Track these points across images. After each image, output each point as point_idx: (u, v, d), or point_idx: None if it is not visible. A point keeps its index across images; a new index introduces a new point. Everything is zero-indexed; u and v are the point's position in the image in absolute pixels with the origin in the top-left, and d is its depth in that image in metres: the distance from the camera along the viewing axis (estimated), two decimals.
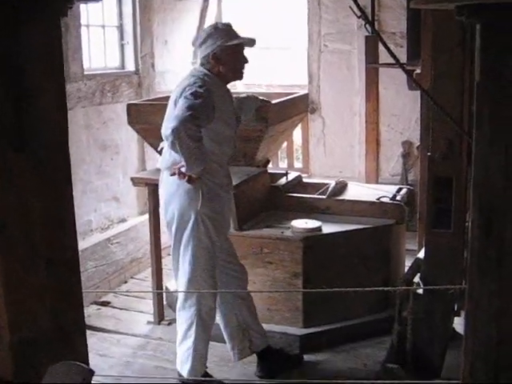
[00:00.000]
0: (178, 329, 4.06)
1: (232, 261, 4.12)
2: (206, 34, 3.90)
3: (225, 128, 3.89)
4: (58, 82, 1.52)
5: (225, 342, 4.28)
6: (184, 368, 3.97)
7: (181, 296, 3.98)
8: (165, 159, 3.96)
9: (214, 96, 3.75)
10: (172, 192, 3.89)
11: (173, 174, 3.78)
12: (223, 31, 3.89)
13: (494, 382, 1.37)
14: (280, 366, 4.20)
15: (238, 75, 4.00)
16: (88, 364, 1.74)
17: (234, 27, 3.97)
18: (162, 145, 4.06)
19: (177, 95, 3.76)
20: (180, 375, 4.02)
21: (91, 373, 1.51)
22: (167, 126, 3.64)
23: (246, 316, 4.15)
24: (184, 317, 3.98)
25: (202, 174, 3.73)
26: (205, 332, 3.99)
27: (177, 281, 4.08)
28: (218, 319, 4.16)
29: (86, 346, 1.86)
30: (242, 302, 4.14)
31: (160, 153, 4.13)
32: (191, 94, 3.65)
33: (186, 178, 3.70)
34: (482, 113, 1.29)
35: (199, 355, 3.97)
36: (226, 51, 3.85)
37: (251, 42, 3.98)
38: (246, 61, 3.98)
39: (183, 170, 3.70)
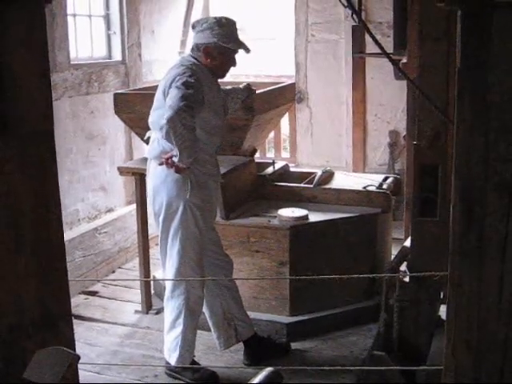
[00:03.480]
0: (165, 317, 4.07)
1: (218, 251, 4.14)
2: (207, 24, 3.85)
3: (213, 117, 3.88)
4: (42, 69, 1.52)
5: (211, 331, 4.31)
6: (172, 356, 3.99)
7: (169, 285, 3.99)
8: (153, 148, 3.95)
9: (203, 85, 3.75)
10: (160, 182, 3.88)
11: (161, 164, 3.78)
12: (224, 30, 3.85)
13: (476, 364, 1.39)
14: (267, 353, 4.21)
15: (221, 74, 4.01)
16: (74, 350, 1.75)
17: (237, 26, 3.96)
18: (148, 134, 4.06)
19: (166, 84, 3.74)
20: (167, 363, 4.04)
21: (77, 358, 1.52)
22: (159, 115, 3.67)
23: (231, 305, 4.17)
24: (172, 306, 3.99)
25: (191, 164, 3.72)
26: (193, 321, 4.01)
27: (165, 270, 4.08)
28: (204, 309, 4.17)
29: (73, 332, 1.87)
30: (227, 291, 4.15)
31: (147, 142, 4.13)
32: (182, 83, 3.63)
33: (174, 167, 3.70)
34: (463, 99, 1.30)
35: (187, 344, 3.99)
36: (219, 49, 3.84)
37: (246, 51, 3.98)
38: (234, 64, 3.99)
39: (175, 159, 3.68)
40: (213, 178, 3.99)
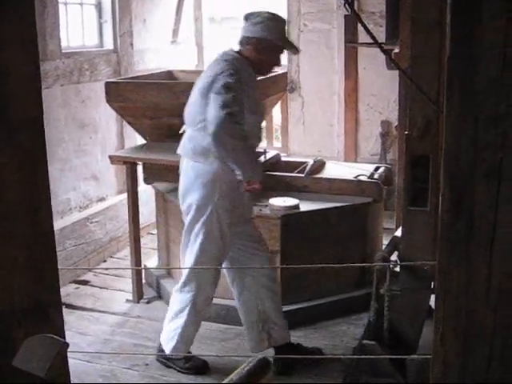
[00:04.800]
0: (170, 307, 4.05)
1: (255, 245, 4.03)
2: (261, 18, 3.75)
3: (250, 115, 3.67)
4: (31, 56, 1.51)
5: (203, 320, 4.31)
6: (168, 345, 3.99)
7: (184, 277, 3.96)
8: (183, 146, 3.86)
9: (243, 84, 3.62)
10: (189, 182, 3.80)
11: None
12: (277, 27, 3.80)
13: (464, 352, 1.40)
14: (299, 362, 4.07)
15: (264, 71, 3.95)
16: (64, 338, 1.75)
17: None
18: (183, 128, 3.98)
19: (206, 82, 3.62)
20: (161, 350, 4.04)
21: (66, 345, 1.52)
22: (193, 111, 3.68)
23: (268, 307, 4.01)
24: (179, 299, 3.96)
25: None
26: (196, 318, 3.99)
27: (183, 259, 4.03)
28: (239, 307, 4.10)
29: (62, 320, 1.87)
30: (265, 291, 4.00)
31: (180, 136, 3.99)
32: (222, 86, 3.51)
33: (250, 189, 3.71)
34: (452, 87, 1.30)
35: (186, 338, 3.98)
36: (269, 46, 3.77)
37: (295, 52, 4.06)
38: (279, 64, 3.92)
39: (240, 177, 3.62)
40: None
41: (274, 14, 3.83)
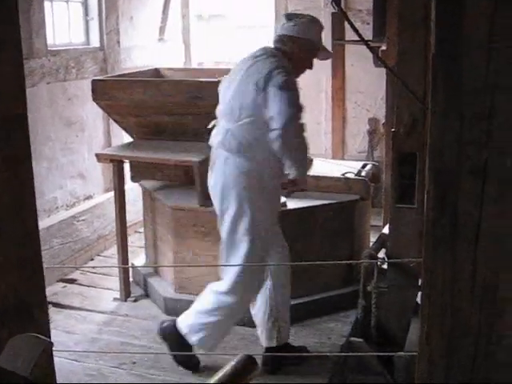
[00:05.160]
0: (202, 301, 3.94)
1: (280, 243, 4.02)
2: (305, 19, 3.79)
3: None
4: (14, 54, 1.50)
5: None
6: (194, 336, 3.91)
7: (229, 281, 3.81)
8: (226, 141, 3.72)
9: None
10: (233, 179, 3.70)
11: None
12: (320, 30, 3.88)
13: (449, 350, 1.40)
14: (287, 360, 4.09)
15: (299, 72, 3.89)
16: (50, 337, 1.73)
17: None
18: (214, 122, 3.94)
19: (261, 78, 3.57)
20: (173, 327, 3.99)
21: (50, 345, 1.51)
22: (245, 107, 3.60)
23: (278, 303, 3.98)
24: (219, 300, 3.86)
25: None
26: (232, 321, 3.98)
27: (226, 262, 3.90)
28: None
29: (48, 319, 1.85)
30: (279, 288, 3.98)
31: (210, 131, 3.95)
32: (284, 82, 3.51)
33: (296, 188, 3.86)
34: (437, 85, 1.30)
35: (216, 335, 3.95)
36: (311, 48, 3.81)
37: (328, 57, 4.16)
38: (311, 67, 3.94)
39: (292, 175, 3.65)
40: (281, 178, 3.85)
41: (314, 18, 3.90)
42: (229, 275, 3.81)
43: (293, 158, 3.62)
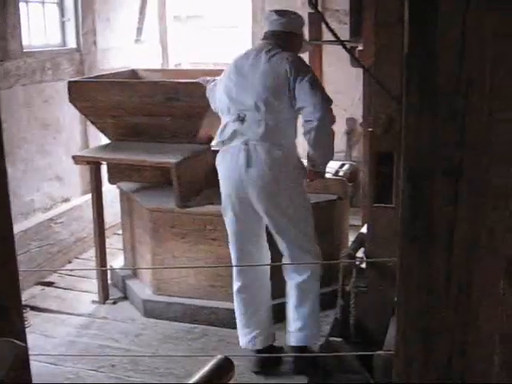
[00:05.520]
0: (298, 299, 4.00)
1: None
2: (296, 15, 3.95)
3: None
4: None
5: (170, 320, 4.29)
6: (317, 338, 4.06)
7: (313, 270, 3.95)
8: (270, 135, 3.72)
9: None
10: (280, 171, 3.75)
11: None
12: (303, 26, 4.10)
13: (425, 350, 1.40)
14: (275, 361, 4.16)
15: None
16: (25, 341, 1.72)
17: None
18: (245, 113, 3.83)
19: (288, 68, 3.65)
20: (309, 348, 4.08)
21: (25, 349, 1.50)
22: (277, 96, 3.67)
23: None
24: (311, 287, 4.00)
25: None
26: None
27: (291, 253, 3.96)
28: (252, 301, 4.05)
29: (23, 323, 1.83)
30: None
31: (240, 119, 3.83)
32: (312, 76, 3.70)
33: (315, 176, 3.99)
34: (411, 84, 1.30)
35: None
36: (298, 43, 3.97)
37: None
38: None
39: (320, 167, 3.85)
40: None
41: (300, 14, 4.05)
42: (306, 256, 3.91)
43: (323, 150, 3.76)
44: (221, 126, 3.86)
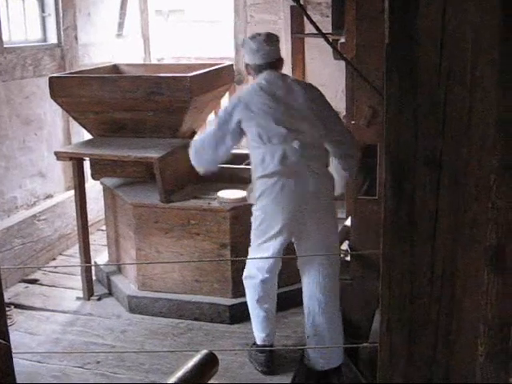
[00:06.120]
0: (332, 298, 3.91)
1: None
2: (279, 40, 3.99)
3: None
4: None
5: (155, 315, 4.28)
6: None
7: (336, 268, 3.89)
8: (320, 164, 3.80)
9: None
10: (330, 195, 3.86)
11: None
12: None
13: (410, 340, 1.40)
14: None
15: None
16: (8, 340, 1.71)
17: None
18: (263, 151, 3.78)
19: (310, 94, 3.80)
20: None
21: (8, 348, 1.49)
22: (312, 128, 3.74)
23: None
24: (336, 286, 3.92)
25: None
26: None
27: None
28: (268, 298, 4.00)
29: (6, 320, 1.82)
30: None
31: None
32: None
33: None
34: (392, 75, 1.30)
35: None
36: None
37: None
38: None
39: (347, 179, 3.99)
40: None
41: None
42: (333, 268, 3.86)
43: (352, 166, 3.84)
44: (267, 156, 3.72)
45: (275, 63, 3.88)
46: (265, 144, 3.69)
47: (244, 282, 4.00)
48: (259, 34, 3.90)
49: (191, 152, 3.96)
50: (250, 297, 3.97)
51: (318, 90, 3.87)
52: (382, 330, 1.43)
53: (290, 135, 3.68)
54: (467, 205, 1.32)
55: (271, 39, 3.88)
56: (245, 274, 3.99)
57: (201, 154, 3.93)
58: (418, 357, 1.40)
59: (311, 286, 3.85)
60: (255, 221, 3.83)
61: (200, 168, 4.04)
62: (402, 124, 1.30)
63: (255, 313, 3.99)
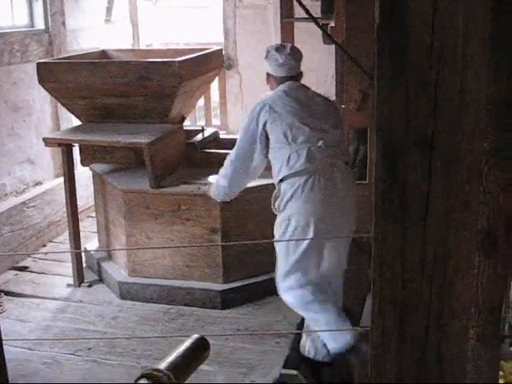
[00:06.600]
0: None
1: None
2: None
3: None
4: None
5: (146, 301, 4.27)
6: None
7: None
8: (347, 169, 3.82)
9: None
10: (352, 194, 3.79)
11: None
12: None
13: (402, 322, 1.40)
14: None
15: None
16: None
17: None
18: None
19: (331, 102, 3.96)
20: None
21: None
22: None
23: None
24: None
25: None
26: None
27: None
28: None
29: None
30: None
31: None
32: None
33: None
34: (383, 56, 1.29)
35: None
36: None
37: None
38: None
39: None
40: None
41: None
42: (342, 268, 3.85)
43: None
44: (292, 155, 3.68)
45: (296, 76, 3.96)
46: (289, 144, 3.67)
47: (287, 294, 3.79)
48: (284, 46, 3.98)
49: (227, 172, 3.93)
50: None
51: (336, 104, 3.95)
52: (373, 312, 1.42)
53: (315, 134, 3.69)
54: (459, 187, 1.32)
55: (296, 55, 3.96)
56: (286, 286, 3.77)
57: (237, 172, 3.92)
58: (409, 339, 1.39)
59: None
60: (287, 227, 3.67)
61: (234, 189, 4.05)
62: (393, 105, 1.29)
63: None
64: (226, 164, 3.92)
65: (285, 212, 3.67)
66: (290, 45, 4.04)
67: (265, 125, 3.73)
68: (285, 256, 3.69)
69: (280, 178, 3.69)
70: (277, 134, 3.70)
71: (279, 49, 3.94)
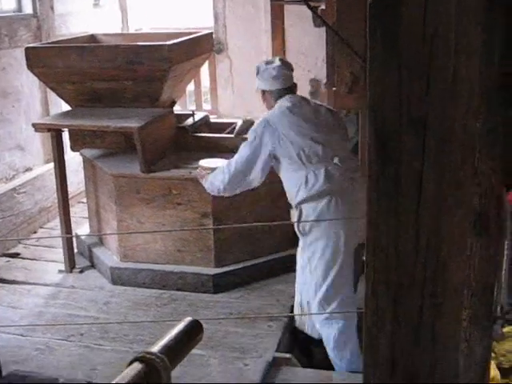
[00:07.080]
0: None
1: None
2: None
3: None
4: None
5: (138, 286, 4.27)
6: None
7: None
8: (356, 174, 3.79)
9: None
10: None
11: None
12: None
13: (395, 304, 1.40)
14: None
15: None
16: None
17: None
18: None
19: (335, 113, 3.95)
20: None
21: None
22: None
23: None
24: None
25: None
26: None
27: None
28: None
29: None
30: None
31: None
32: None
33: None
34: (375, 36, 1.28)
35: None
36: None
37: None
38: None
39: None
40: None
41: None
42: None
43: None
44: (310, 176, 3.66)
45: (292, 88, 3.96)
46: (304, 165, 3.66)
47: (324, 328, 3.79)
48: (272, 60, 4.02)
49: (225, 178, 3.92)
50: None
51: (340, 113, 3.99)
52: (367, 293, 1.42)
53: (328, 152, 3.69)
54: (452, 169, 1.31)
55: (287, 65, 3.99)
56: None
57: (234, 181, 3.91)
58: (403, 320, 1.39)
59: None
60: (314, 252, 3.68)
61: (227, 193, 4.05)
62: (386, 86, 1.28)
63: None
64: (225, 170, 3.91)
65: (311, 236, 3.67)
66: (278, 57, 4.09)
67: (273, 148, 3.70)
68: (321, 280, 3.69)
69: (298, 200, 3.67)
70: (289, 156, 3.68)
71: (269, 62, 3.97)
